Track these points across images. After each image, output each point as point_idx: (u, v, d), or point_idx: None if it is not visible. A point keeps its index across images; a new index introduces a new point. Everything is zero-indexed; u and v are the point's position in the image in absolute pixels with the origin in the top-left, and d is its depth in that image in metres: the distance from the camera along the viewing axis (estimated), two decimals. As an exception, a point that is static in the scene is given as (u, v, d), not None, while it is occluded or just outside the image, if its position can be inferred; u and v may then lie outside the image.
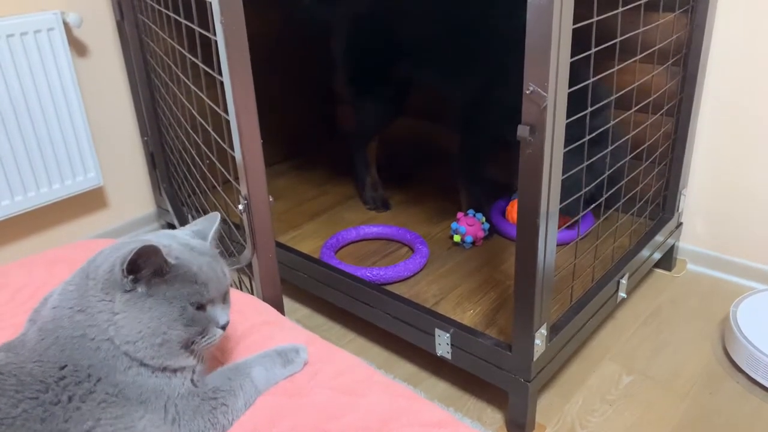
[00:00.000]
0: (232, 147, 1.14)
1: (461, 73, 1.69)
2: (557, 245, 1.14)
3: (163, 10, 1.46)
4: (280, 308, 1.25)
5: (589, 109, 1.22)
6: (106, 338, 0.72)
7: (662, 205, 1.73)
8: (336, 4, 1.87)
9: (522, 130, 1.00)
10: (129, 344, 0.73)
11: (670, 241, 1.75)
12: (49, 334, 0.73)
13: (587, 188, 1.34)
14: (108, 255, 0.77)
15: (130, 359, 0.73)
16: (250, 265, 1.23)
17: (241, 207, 1.15)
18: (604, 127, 1.39)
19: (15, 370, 0.68)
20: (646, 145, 1.60)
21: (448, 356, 1.34)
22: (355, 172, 2.01)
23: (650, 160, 1.63)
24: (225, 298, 0.82)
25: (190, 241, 0.82)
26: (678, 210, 1.72)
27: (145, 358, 0.74)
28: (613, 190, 1.47)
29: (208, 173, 1.49)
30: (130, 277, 0.73)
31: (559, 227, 1.41)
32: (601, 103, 1.32)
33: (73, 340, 0.72)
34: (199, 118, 1.44)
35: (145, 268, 0.73)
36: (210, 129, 1.33)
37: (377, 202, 1.94)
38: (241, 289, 1.43)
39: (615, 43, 1.28)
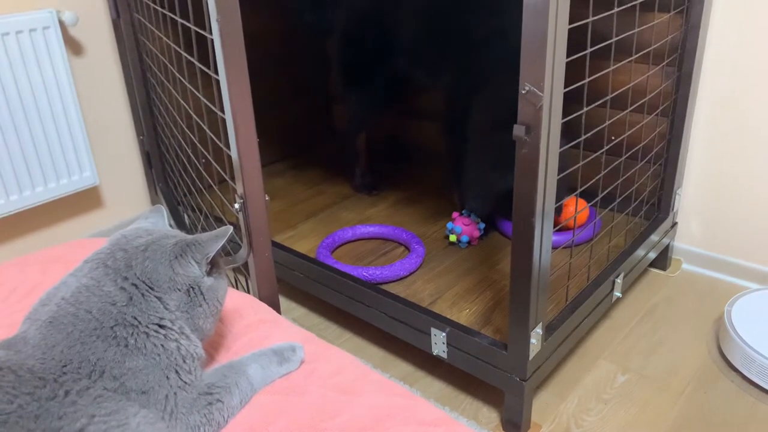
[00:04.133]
0: (228, 146, 1.14)
1: (448, 73, 1.70)
2: (554, 248, 1.14)
3: (159, 8, 1.45)
4: (277, 307, 1.24)
5: (585, 109, 1.23)
6: (147, 328, 0.76)
7: (657, 205, 1.74)
8: (329, 5, 1.91)
9: (518, 130, 1.00)
10: (197, 330, 0.83)
11: (665, 240, 1.75)
12: (57, 330, 0.73)
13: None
14: (143, 251, 0.81)
15: (175, 345, 0.79)
16: (246, 265, 1.23)
17: (237, 206, 1.15)
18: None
19: (14, 367, 0.68)
20: (641, 145, 1.60)
21: (444, 355, 1.34)
22: (346, 161, 2.12)
23: (645, 160, 1.64)
24: None
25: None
26: (673, 210, 1.73)
27: (205, 336, 0.85)
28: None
29: (204, 172, 1.49)
30: (208, 267, 0.84)
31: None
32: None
33: (91, 336, 0.73)
34: (195, 117, 1.44)
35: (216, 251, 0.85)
36: (206, 128, 1.33)
37: (366, 188, 2.06)
38: (237, 288, 1.43)
39: (610, 44, 1.28)
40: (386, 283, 1.54)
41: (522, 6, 0.93)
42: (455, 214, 1.72)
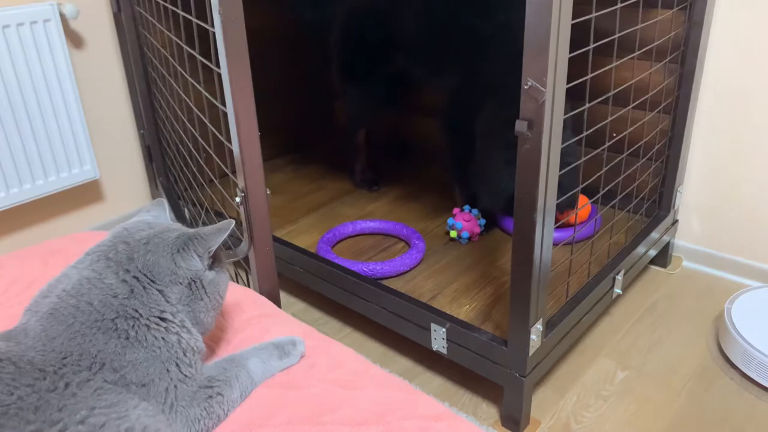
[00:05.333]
0: (229, 140, 1.14)
1: (449, 69, 1.70)
2: (555, 244, 1.14)
3: (161, 1, 1.45)
4: (277, 302, 1.24)
5: (587, 105, 1.22)
6: (148, 321, 0.76)
7: (658, 203, 1.74)
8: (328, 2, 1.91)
9: (520, 125, 1.00)
10: (198, 324, 0.83)
11: (666, 238, 1.75)
12: (58, 322, 0.73)
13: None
14: (146, 244, 0.81)
15: (177, 339, 0.79)
16: (246, 259, 1.23)
17: (238, 200, 1.15)
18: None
19: (14, 358, 0.68)
20: (642, 142, 1.60)
21: (444, 351, 1.34)
22: (346, 157, 2.12)
23: (647, 157, 1.64)
24: None
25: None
26: (674, 207, 1.73)
27: (206, 330, 0.85)
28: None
29: (204, 166, 1.49)
30: (210, 260, 0.84)
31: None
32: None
33: (91, 328, 0.73)
34: (197, 111, 1.44)
35: (218, 245, 0.84)
36: (207, 122, 1.32)
37: (367, 184, 2.06)
38: (238, 283, 1.43)
39: (613, 40, 1.28)
40: (386, 278, 1.54)
41: (524, 1, 0.93)
42: (456, 210, 1.71)
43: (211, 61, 1.11)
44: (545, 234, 1.09)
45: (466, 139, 1.75)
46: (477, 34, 1.57)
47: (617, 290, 1.51)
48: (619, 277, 1.49)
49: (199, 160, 1.52)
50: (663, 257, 1.80)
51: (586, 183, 1.40)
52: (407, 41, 1.77)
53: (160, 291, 0.79)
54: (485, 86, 1.59)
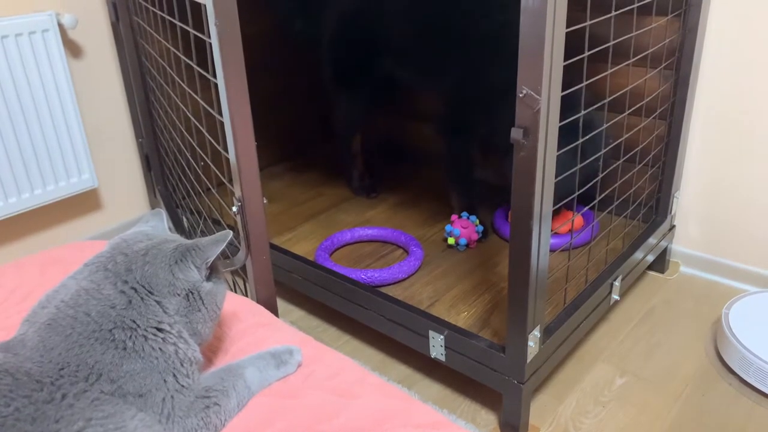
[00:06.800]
0: (226, 149, 1.14)
1: (444, 74, 1.70)
2: (552, 250, 1.14)
3: (158, 12, 1.46)
4: (275, 310, 1.25)
5: (583, 112, 1.23)
6: (146, 332, 0.76)
7: (655, 208, 1.74)
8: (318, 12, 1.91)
9: (515, 133, 1.01)
10: (195, 335, 0.83)
11: (663, 243, 1.75)
12: (56, 333, 0.73)
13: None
14: (144, 256, 0.81)
15: (174, 348, 0.79)
16: (244, 267, 1.23)
17: (235, 209, 1.15)
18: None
19: (12, 370, 0.68)
20: (639, 148, 1.61)
21: (442, 358, 1.34)
22: (342, 165, 2.12)
23: (643, 163, 1.64)
24: None
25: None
26: (671, 213, 1.73)
27: (203, 341, 0.85)
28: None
29: (202, 175, 1.49)
30: (208, 271, 0.84)
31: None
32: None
33: (89, 339, 0.73)
34: (194, 120, 1.44)
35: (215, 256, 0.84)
36: (204, 131, 1.33)
37: (365, 190, 2.05)
38: (235, 291, 1.43)
39: (608, 47, 1.29)
40: (385, 285, 1.54)
41: (518, 4, 0.93)
42: (454, 217, 1.72)
43: (208, 71, 1.11)
44: (542, 240, 1.10)
45: (463, 144, 1.76)
46: (472, 38, 1.58)
47: (615, 296, 1.51)
48: (617, 283, 1.50)
49: (197, 168, 1.52)
50: (660, 263, 1.80)
51: (583, 189, 1.40)
52: (401, 46, 1.77)
53: (157, 302, 0.79)
54: (482, 90, 1.60)
